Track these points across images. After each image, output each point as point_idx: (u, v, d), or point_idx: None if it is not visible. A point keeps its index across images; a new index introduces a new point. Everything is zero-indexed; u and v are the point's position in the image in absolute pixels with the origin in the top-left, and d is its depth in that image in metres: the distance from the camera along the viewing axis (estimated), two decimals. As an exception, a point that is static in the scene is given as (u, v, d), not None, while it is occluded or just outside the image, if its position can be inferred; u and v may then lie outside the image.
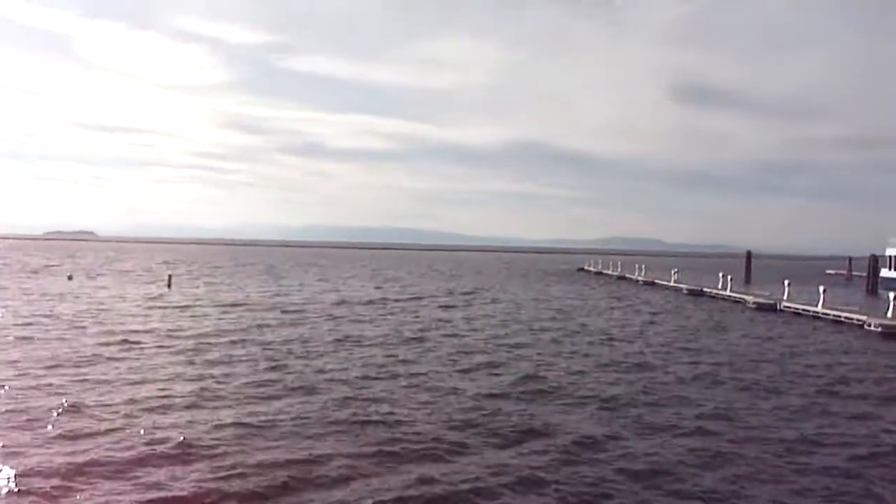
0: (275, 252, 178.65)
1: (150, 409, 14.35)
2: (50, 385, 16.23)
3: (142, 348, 22.05)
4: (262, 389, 16.58)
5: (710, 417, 15.14)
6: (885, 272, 68.29)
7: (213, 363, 19.94)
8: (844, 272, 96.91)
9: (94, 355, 20.43)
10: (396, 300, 43.56)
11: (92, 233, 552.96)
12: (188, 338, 24.49)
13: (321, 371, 19.14)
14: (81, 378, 17.14)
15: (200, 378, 17.72)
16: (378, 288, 54.57)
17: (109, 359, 20.06)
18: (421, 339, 25.98)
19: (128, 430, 12.77)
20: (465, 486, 10.50)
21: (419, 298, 45.47)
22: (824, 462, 12.24)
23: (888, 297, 35.56)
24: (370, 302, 41.68)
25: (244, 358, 20.85)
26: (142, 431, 12.72)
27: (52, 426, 12.91)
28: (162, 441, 12.16)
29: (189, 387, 16.56)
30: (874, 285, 65.42)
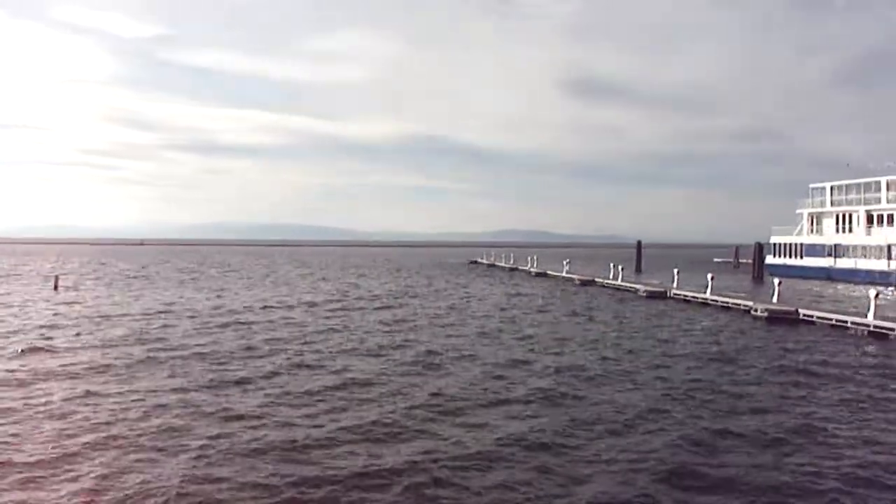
0: (172, 251, 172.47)
1: None
2: None
3: None
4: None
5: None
6: (769, 259, 72.03)
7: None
8: (731, 260, 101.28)
9: None
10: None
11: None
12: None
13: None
14: None
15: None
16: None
17: None
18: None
19: None
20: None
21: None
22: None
23: (773, 283, 37.28)
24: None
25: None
26: None
27: None
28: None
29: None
30: (760, 272, 68.69)
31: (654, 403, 15.83)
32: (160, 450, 12.04)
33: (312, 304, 38.20)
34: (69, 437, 12.69)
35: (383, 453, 12.02)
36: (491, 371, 19.53)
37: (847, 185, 66.52)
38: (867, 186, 64.13)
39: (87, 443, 12.35)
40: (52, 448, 11.98)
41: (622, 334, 27.50)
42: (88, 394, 16.02)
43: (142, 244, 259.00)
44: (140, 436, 12.82)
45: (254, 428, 13.43)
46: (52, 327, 27.71)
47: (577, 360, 21.38)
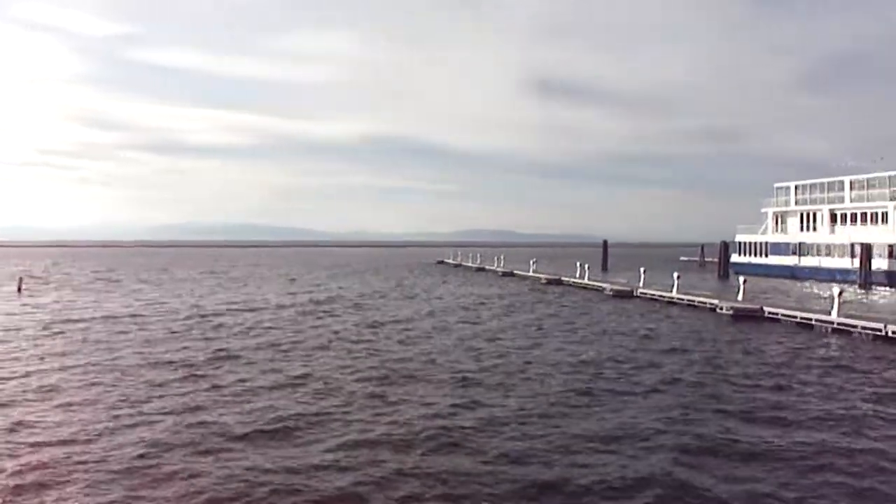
0: (142, 253, 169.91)
1: None
2: None
3: None
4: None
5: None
6: (735, 258, 72.89)
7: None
8: (697, 259, 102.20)
9: None
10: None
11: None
12: None
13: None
14: None
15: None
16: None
17: None
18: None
19: None
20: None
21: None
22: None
23: (738, 281, 37.59)
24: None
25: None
26: None
27: None
28: None
29: None
30: (725, 270, 69.40)
31: (620, 401, 15.82)
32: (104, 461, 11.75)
33: (281, 307, 37.58)
34: (27, 433, 12.39)
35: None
36: (457, 375, 19.33)
37: (811, 185, 67.46)
38: (831, 186, 65.09)
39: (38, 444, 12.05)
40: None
41: (589, 334, 27.49)
42: (45, 397, 15.72)
43: (105, 246, 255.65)
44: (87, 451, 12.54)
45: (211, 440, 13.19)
46: (12, 330, 27.23)
47: (545, 356, 21.30)
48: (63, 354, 21.69)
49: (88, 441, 12.49)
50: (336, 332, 27.23)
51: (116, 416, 14.19)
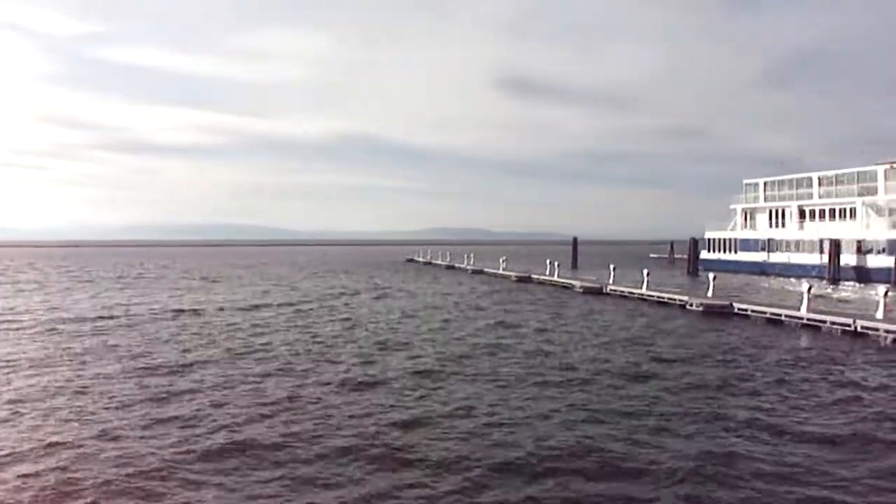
0: (116, 252, 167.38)
1: None
2: None
3: None
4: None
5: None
6: (704, 254, 73.28)
7: None
8: (667, 256, 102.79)
9: None
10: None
11: None
12: None
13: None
14: None
15: None
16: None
17: None
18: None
19: None
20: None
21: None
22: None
23: (708, 277, 37.66)
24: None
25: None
26: None
27: None
28: None
29: None
30: (695, 267, 69.73)
31: (587, 398, 15.59)
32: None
33: (255, 307, 36.57)
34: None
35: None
36: (424, 372, 19.06)
37: (780, 181, 68.06)
38: (799, 182, 65.73)
39: None
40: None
41: (558, 331, 27.30)
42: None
43: (77, 246, 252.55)
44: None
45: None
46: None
47: (516, 354, 21.09)
48: (25, 358, 21.06)
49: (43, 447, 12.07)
50: (313, 335, 26.47)
51: (73, 419, 13.74)
